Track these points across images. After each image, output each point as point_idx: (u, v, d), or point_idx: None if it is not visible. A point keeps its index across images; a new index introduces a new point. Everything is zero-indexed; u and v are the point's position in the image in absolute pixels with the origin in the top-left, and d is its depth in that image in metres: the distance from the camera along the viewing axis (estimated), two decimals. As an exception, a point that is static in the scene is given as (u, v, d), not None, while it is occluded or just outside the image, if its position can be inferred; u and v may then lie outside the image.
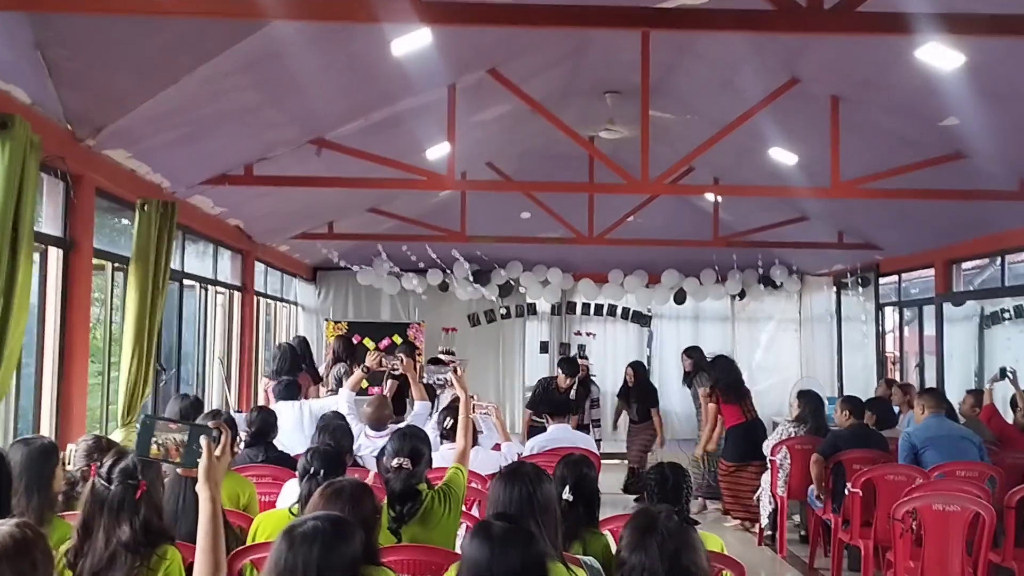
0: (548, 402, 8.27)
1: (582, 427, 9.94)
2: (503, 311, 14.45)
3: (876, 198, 8.23)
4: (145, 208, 6.04)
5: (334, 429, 4.95)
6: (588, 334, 14.41)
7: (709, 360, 10.27)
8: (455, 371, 5.16)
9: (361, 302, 14.16)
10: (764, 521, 8.63)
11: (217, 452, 2.48)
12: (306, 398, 7.73)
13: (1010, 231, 8.67)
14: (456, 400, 6.83)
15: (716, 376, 9.60)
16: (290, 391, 7.23)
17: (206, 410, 5.64)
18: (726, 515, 9.48)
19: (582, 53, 8.21)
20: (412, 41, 5.85)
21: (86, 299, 5.66)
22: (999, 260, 9.33)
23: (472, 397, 6.55)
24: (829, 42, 6.46)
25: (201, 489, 2.45)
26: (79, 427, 5.46)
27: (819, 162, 7.92)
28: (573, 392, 9.88)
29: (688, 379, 10.76)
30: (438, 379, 6.11)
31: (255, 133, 6.71)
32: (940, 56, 5.77)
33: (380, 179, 8.03)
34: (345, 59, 5.95)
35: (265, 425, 5.79)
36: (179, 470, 2.83)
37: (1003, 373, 8.28)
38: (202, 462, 2.45)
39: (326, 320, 13.63)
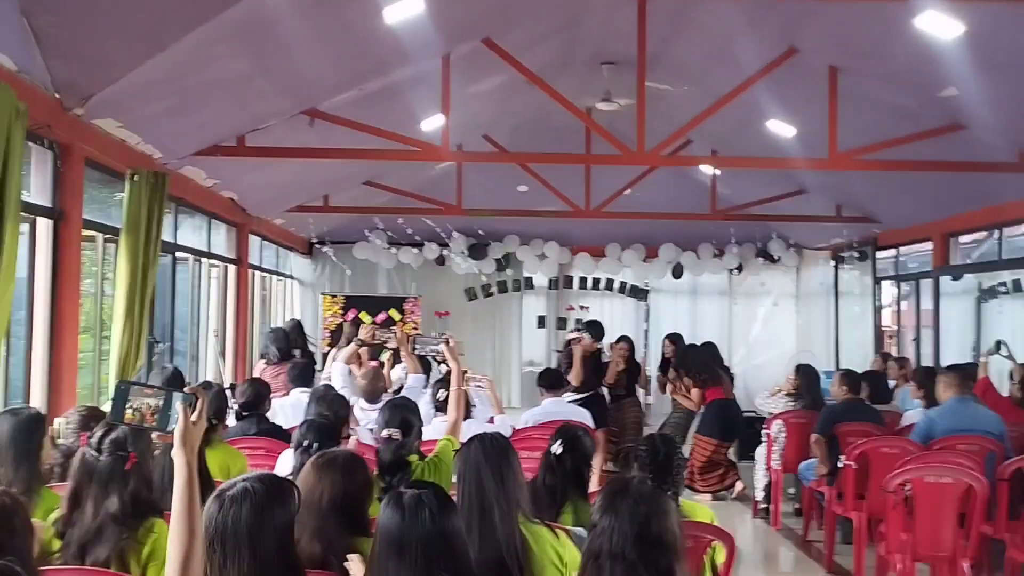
0: (546, 376, 8.20)
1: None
2: (500, 285, 14.41)
3: (873, 169, 8.18)
4: (135, 178, 5.97)
5: (331, 400, 4.91)
6: (582, 307, 14.39)
7: (693, 346, 10.18)
8: (447, 343, 5.12)
9: (358, 276, 14.13)
10: (759, 495, 8.65)
11: (193, 417, 2.44)
12: None
13: (1009, 203, 8.62)
14: (446, 374, 6.84)
15: (691, 364, 9.57)
16: (305, 376, 6.86)
17: (198, 383, 5.63)
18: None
19: (578, 23, 8.12)
20: (405, 9, 5.78)
21: (76, 270, 5.61)
22: (997, 233, 9.29)
23: (466, 371, 6.57)
24: (828, 11, 6.39)
25: (176, 454, 2.41)
26: (70, 399, 5.43)
27: (817, 134, 7.86)
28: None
29: (666, 366, 10.34)
30: (431, 350, 6.07)
31: (246, 103, 6.64)
32: (939, 25, 5.71)
33: (374, 150, 7.96)
34: (337, 27, 5.87)
35: (257, 396, 5.77)
36: (154, 435, 2.79)
37: (998, 346, 8.26)
38: (177, 426, 2.42)
39: (322, 294, 13.61)
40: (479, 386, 7.10)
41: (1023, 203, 8.39)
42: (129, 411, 2.47)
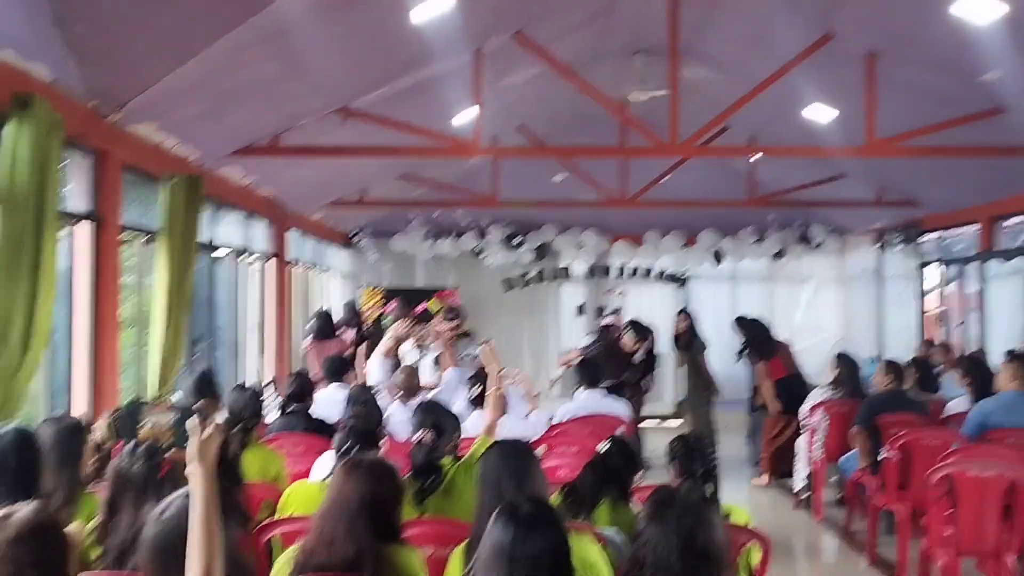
0: (585, 367, 8.11)
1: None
2: (538, 274, 14.38)
3: (913, 156, 8.01)
4: (173, 181, 6.06)
5: (365, 402, 4.94)
6: (619, 293, 14.32)
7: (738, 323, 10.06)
8: (487, 343, 5.15)
9: (397, 268, 14.21)
10: (800, 484, 8.57)
11: (206, 433, 2.44)
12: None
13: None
14: (481, 369, 6.85)
15: (745, 336, 9.50)
16: (340, 370, 6.82)
17: (237, 381, 5.70)
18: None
19: (610, 13, 8.06)
20: (432, 7, 5.77)
21: (115, 274, 5.72)
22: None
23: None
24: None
25: (191, 471, 2.42)
26: (111, 400, 5.55)
27: (856, 119, 7.72)
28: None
29: (679, 342, 10.26)
30: (468, 355, 6.10)
31: (278, 104, 6.70)
32: (978, 9, 5.57)
33: (406, 147, 8.00)
34: (364, 27, 5.90)
35: (302, 390, 5.82)
36: (171, 452, 2.83)
37: None
38: (190, 444, 2.42)
39: (362, 286, 13.71)
40: (513, 383, 7.09)
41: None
42: (145, 428, 2.51)
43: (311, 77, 6.41)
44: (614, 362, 8.81)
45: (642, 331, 9.17)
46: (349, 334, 9.11)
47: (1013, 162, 8.08)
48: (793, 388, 9.16)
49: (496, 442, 3.39)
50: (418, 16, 5.84)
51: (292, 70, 6.12)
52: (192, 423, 2.43)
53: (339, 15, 5.48)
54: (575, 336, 14.69)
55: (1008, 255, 10.03)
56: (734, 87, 8.48)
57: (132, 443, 3.24)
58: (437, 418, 4.07)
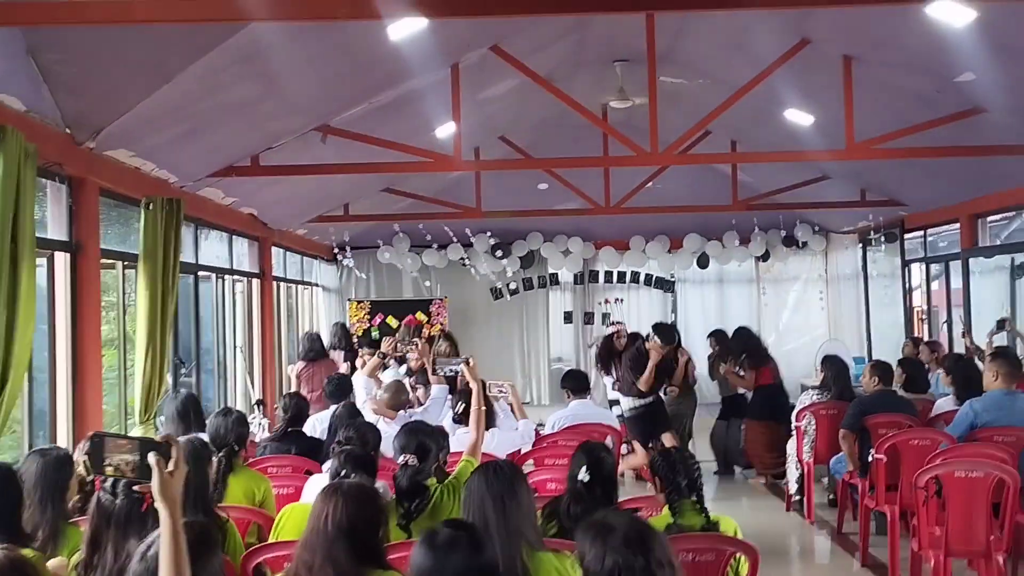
0: (571, 378, 8.13)
1: None
2: (525, 283, 14.38)
3: (891, 158, 8.06)
4: (150, 206, 6.04)
5: (359, 427, 4.89)
6: (617, 300, 14.33)
7: (732, 334, 10.15)
8: (467, 362, 5.13)
9: (383, 281, 14.19)
10: (792, 487, 8.58)
11: (170, 467, 2.30)
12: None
13: (1033, 183, 8.46)
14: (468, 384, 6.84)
15: (740, 346, 9.58)
16: (342, 392, 6.68)
17: (224, 402, 5.67)
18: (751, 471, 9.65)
19: (586, 24, 8.07)
20: (408, 25, 5.76)
21: (95, 300, 5.69)
22: (1024, 213, 9.13)
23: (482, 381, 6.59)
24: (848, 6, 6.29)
25: (159, 508, 2.29)
26: (95, 426, 5.51)
27: (835, 122, 7.76)
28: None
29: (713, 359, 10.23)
30: (450, 370, 6.07)
31: (257, 124, 6.69)
32: (950, 11, 5.60)
33: (386, 163, 7.99)
34: (340, 46, 5.89)
35: (300, 412, 5.79)
36: (136, 488, 2.70)
37: (1000, 325, 8.09)
38: (154, 480, 2.28)
39: (348, 300, 13.68)
40: (502, 392, 7.08)
41: (1049, 183, 8.22)
42: (109, 467, 2.32)
43: (288, 97, 6.40)
44: (643, 364, 8.53)
45: (668, 335, 8.74)
46: (339, 356, 9.03)
47: (992, 161, 8.13)
48: (778, 397, 9.44)
49: (481, 465, 3.38)
50: (395, 34, 5.83)
51: (269, 91, 6.11)
52: (154, 458, 2.28)
53: (315, 35, 5.47)
54: (564, 343, 14.76)
55: (989, 252, 10.09)
56: (714, 93, 8.52)
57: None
58: (420, 439, 4.05)
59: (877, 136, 7.46)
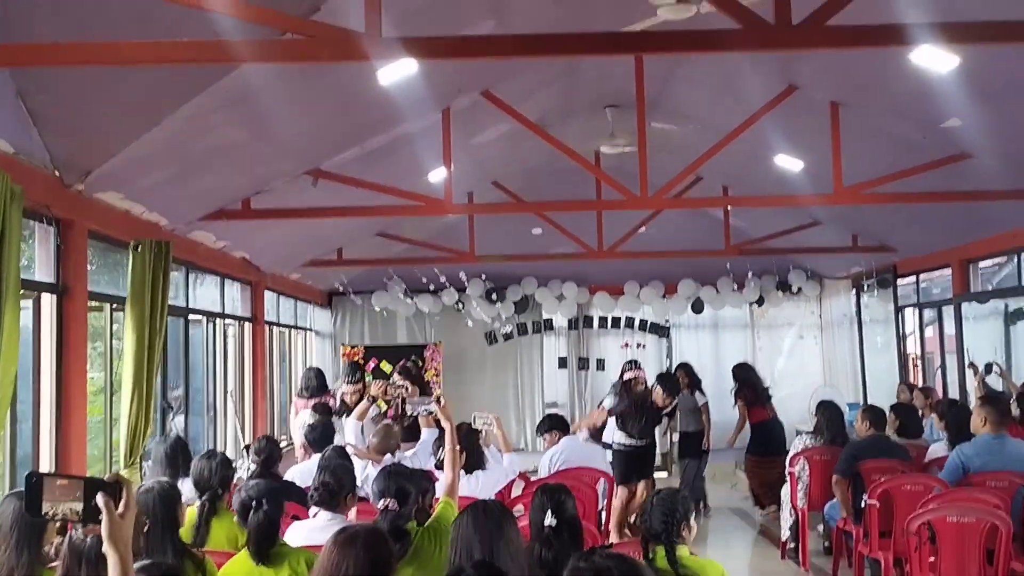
0: (553, 419, 8.19)
1: None
2: (519, 328, 14.36)
3: (879, 203, 8.11)
4: (139, 248, 6.04)
5: (335, 468, 4.86)
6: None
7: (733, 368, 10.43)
8: (438, 401, 5.11)
9: (377, 326, 14.17)
10: (786, 533, 8.49)
11: (120, 509, 2.14)
12: None
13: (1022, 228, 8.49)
14: (460, 426, 6.80)
15: (739, 382, 9.97)
16: (326, 440, 6.57)
17: (213, 446, 5.63)
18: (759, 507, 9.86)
19: (577, 70, 8.16)
20: (398, 70, 5.81)
21: (82, 343, 5.67)
22: (1016, 258, 9.14)
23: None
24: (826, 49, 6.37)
25: (108, 552, 2.12)
26: (79, 470, 5.45)
27: (824, 167, 7.81)
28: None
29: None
30: (424, 410, 6.03)
31: (247, 168, 6.72)
32: (935, 59, 5.66)
33: (378, 207, 8.02)
34: (330, 91, 5.94)
35: (271, 456, 5.78)
36: (79, 528, 2.51)
37: (988, 368, 8.09)
38: (103, 522, 2.11)
39: (342, 345, 13.65)
40: (488, 424, 7.04)
41: (1038, 228, 8.25)
42: (47, 505, 2.11)
43: (279, 140, 6.44)
44: (648, 416, 8.83)
45: (673, 386, 9.14)
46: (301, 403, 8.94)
47: (981, 206, 8.18)
48: (775, 430, 9.93)
49: (469, 506, 3.34)
50: (385, 78, 5.88)
51: (259, 134, 6.16)
52: (102, 499, 2.11)
53: (304, 79, 5.52)
54: (559, 388, 14.69)
55: (982, 297, 10.10)
56: (705, 139, 8.58)
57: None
58: (400, 483, 4.01)
59: (865, 181, 7.50)
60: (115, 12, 4.09)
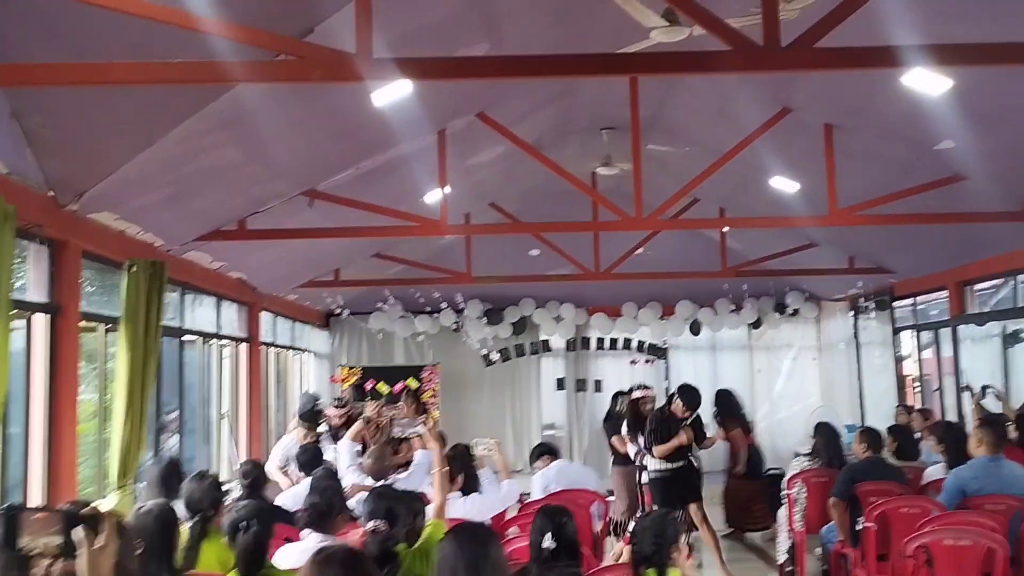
0: (543, 446, 8.15)
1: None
2: (517, 349, 14.34)
3: (872, 224, 8.12)
4: (133, 268, 6.04)
5: (323, 489, 4.84)
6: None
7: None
8: (426, 423, 5.09)
9: (375, 346, 14.15)
10: (783, 557, 8.43)
11: (99, 542, 2.13)
12: None
13: (1019, 251, 8.49)
14: (456, 447, 6.77)
15: (718, 407, 10.19)
16: (315, 463, 6.50)
17: (207, 468, 5.59)
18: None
19: (573, 93, 8.20)
20: (393, 91, 5.84)
21: (73, 363, 5.65)
22: (1012, 280, 9.14)
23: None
24: (817, 71, 6.40)
25: None
26: (69, 492, 5.43)
27: (819, 189, 7.84)
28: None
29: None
30: (410, 433, 6.02)
31: (242, 189, 6.74)
32: (927, 82, 5.69)
33: (373, 227, 8.04)
34: (325, 112, 5.96)
35: (257, 480, 5.73)
36: (59, 564, 2.46)
37: (984, 391, 8.06)
38: (80, 557, 2.09)
39: (340, 366, 13.62)
40: (487, 450, 7.01)
41: (1034, 251, 8.26)
42: (26, 540, 2.11)
43: (274, 161, 6.46)
44: (674, 433, 8.48)
45: (693, 398, 8.65)
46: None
47: (977, 228, 8.19)
48: (756, 455, 10.23)
49: (453, 528, 3.31)
50: (379, 99, 5.91)
51: (254, 155, 6.17)
52: (78, 534, 2.10)
53: (299, 100, 5.54)
54: (556, 410, 14.64)
55: (979, 319, 10.09)
56: (701, 161, 8.61)
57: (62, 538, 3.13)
58: (389, 504, 3.98)
59: (859, 203, 7.52)
60: (109, 35, 4.12)
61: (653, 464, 8.53)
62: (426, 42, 5.32)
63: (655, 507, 8.57)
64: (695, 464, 8.65)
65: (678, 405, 8.55)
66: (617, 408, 9.73)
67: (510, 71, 4.01)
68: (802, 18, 4.23)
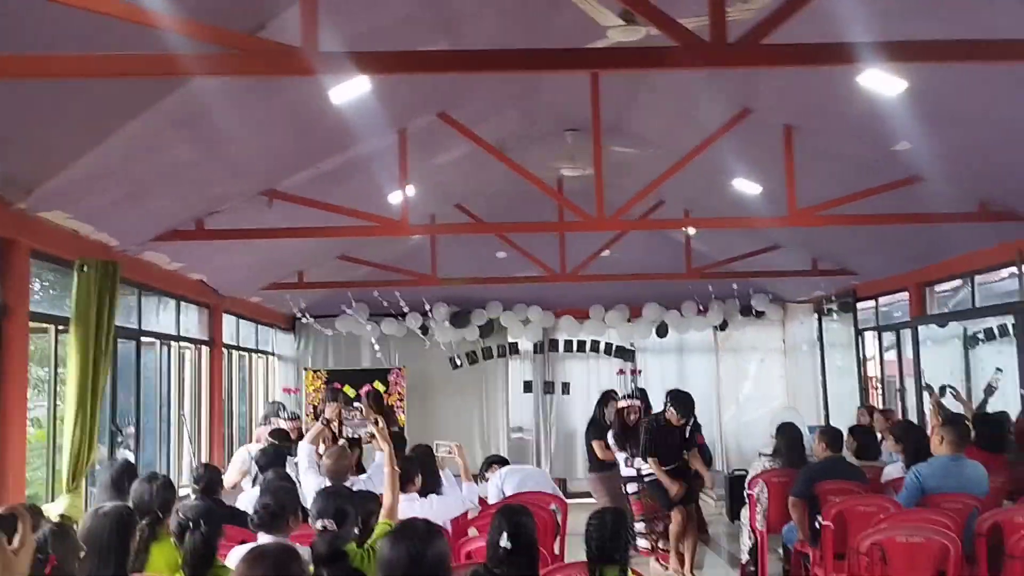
0: (488, 459, 8.14)
1: None
2: (485, 352, 14.31)
3: (831, 224, 8.17)
4: (84, 268, 5.94)
5: (275, 490, 4.78)
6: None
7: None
8: (376, 423, 5.07)
9: (341, 350, 14.05)
10: (745, 557, 8.47)
11: (15, 544, 2.07)
12: None
13: (977, 252, 8.59)
14: (417, 448, 6.73)
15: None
16: (275, 463, 6.44)
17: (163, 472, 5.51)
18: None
19: (535, 93, 8.19)
20: (350, 89, 5.80)
21: (22, 365, 5.55)
22: (970, 281, 9.25)
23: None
24: (775, 72, 6.43)
25: None
26: (17, 494, 5.33)
27: (781, 191, 7.88)
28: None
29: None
30: (361, 433, 5.99)
31: (199, 188, 6.66)
32: (882, 83, 5.74)
33: (334, 227, 7.97)
34: (281, 110, 5.91)
35: (211, 483, 5.68)
36: None
37: (943, 391, 8.16)
38: None
39: (305, 369, 13.52)
40: (449, 453, 6.99)
41: (990, 252, 8.35)
42: None
43: (231, 160, 6.39)
44: (670, 441, 8.50)
45: (686, 404, 8.56)
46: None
47: (936, 230, 8.27)
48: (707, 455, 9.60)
49: (395, 527, 3.28)
50: (337, 97, 5.87)
51: (211, 153, 6.10)
52: None
53: (255, 98, 5.49)
54: (524, 412, 14.61)
55: (940, 320, 10.20)
56: (665, 163, 8.62)
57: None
58: (339, 503, 3.94)
59: (819, 203, 7.57)
60: (54, 28, 4.04)
61: (647, 467, 8.52)
62: (382, 41, 5.27)
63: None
64: (688, 467, 8.61)
65: (672, 413, 8.48)
66: (604, 415, 9.64)
67: (462, 65, 3.99)
68: (757, 19, 4.24)
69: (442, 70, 4.10)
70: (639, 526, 8.89)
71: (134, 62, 3.58)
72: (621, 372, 14.22)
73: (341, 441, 7.94)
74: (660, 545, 8.75)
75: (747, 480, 8.25)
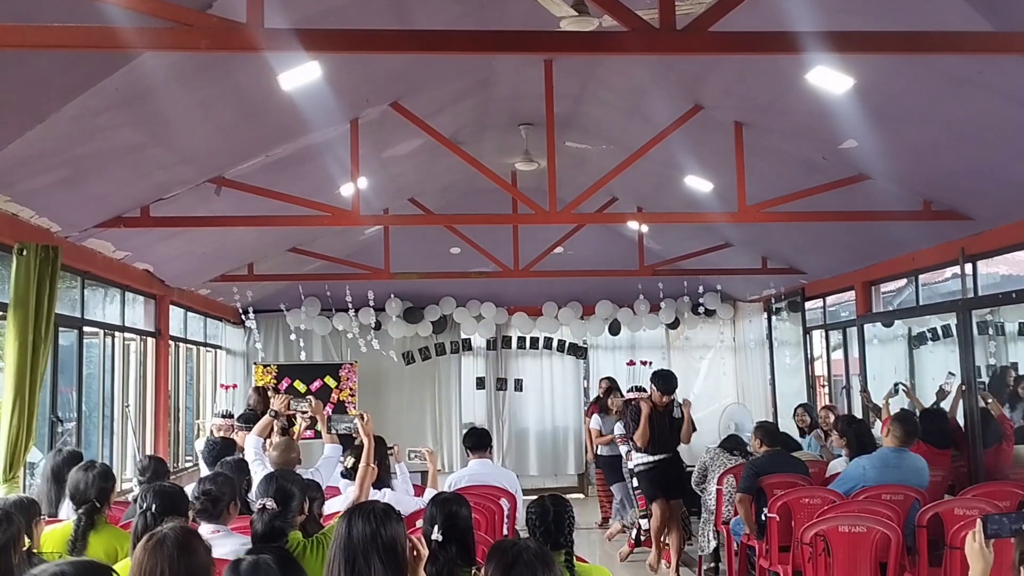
0: (472, 435, 8.00)
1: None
2: (437, 348, 14.26)
3: (779, 221, 8.28)
4: (23, 252, 5.79)
5: (215, 476, 4.69)
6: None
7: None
8: (361, 417, 5.06)
9: (292, 344, 13.89)
10: (706, 552, 8.51)
11: None
12: None
13: (921, 251, 8.75)
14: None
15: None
16: (221, 455, 6.42)
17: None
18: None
19: (490, 86, 8.17)
20: (301, 75, 5.73)
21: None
22: (915, 280, 9.41)
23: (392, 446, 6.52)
24: (725, 68, 6.50)
25: None
26: (-51, 485, 5.18)
27: (731, 188, 7.95)
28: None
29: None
30: (346, 427, 5.97)
31: (145, 173, 6.52)
32: (830, 80, 5.81)
33: (283, 217, 7.87)
34: (230, 93, 5.81)
35: (156, 474, 5.60)
36: None
37: (896, 388, 8.31)
38: None
39: (255, 364, 13.34)
40: (420, 458, 6.97)
41: (933, 251, 8.51)
42: None
43: (178, 144, 6.27)
44: (663, 427, 8.48)
45: (668, 383, 8.49)
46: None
47: (880, 229, 8.41)
48: None
49: (348, 510, 3.23)
50: (287, 83, 5.79)
51: (156, 137, 5.98)
52: None
53: (201, 79, 5.39)
54: (476, 409, 14.57)
55: (885, 319, 10.38)
56: (619, 159, 8.66)
57: None
58: (281, 484, 3.88)
59: (767, 200, 7.66)
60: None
61: (637, 457, 8.63)
62: (332, 23, 5.22)
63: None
64: (680, 458, 8.70)
65: (655, 392, 8.51)
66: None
67: (413, 45, 3.94)
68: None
69: (391, 49, 4.04)
70: (643, 522, 9.20)
71: (73, 33, 3.49)
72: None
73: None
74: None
75: (717, 476, 8.17)
